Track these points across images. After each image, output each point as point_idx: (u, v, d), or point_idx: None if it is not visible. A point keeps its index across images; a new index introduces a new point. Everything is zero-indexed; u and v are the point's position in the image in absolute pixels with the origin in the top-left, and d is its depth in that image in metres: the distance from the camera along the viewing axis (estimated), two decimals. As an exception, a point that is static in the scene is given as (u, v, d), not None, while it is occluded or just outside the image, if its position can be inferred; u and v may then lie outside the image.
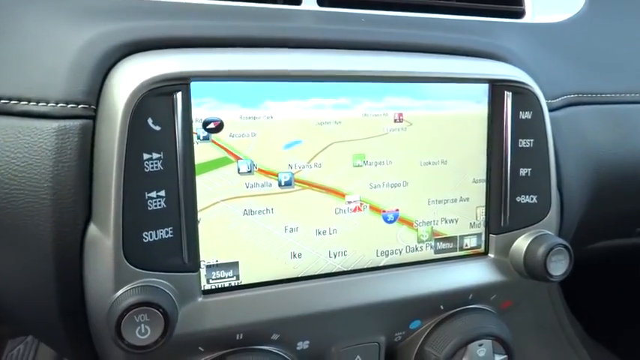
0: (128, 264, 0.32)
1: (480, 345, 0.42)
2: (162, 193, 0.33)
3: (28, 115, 0.33)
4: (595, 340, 1.37)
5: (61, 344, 0.36)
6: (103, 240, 0.32)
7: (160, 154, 0.32)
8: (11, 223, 0.32)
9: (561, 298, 1.44)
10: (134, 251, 0.32)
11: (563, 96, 0.48)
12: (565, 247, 0.41)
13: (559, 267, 0.41)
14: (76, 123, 0.33)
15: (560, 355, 1.34)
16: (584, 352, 1.36)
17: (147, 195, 0.32)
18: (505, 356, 0.43)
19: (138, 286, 0.32)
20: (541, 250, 0.41)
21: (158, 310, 0.31)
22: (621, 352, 1.31)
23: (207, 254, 0.36)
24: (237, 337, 0.36)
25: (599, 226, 0.61)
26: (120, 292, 0.31)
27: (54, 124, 0.32)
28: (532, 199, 0.43)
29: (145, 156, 0.32)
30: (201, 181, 0.35)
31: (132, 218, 0.32)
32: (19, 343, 1.00)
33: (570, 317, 1.41)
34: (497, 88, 0.42)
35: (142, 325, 0.31)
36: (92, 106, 0.33)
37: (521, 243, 0.43)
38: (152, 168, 0.32)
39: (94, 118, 0.33)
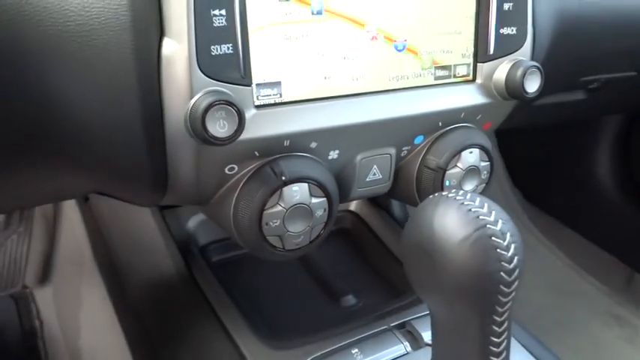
0: (201, 72, 0.38)
1: (470, 152, 0.52)
2: (224, 12, 0.38)
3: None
4: (534, 205, 1.57)
5: (138, 173, 0.42)
6: (178, 52, 0.37)
7: None
8: (93, 45, 0.36)
9: (504, 170, 1.62)
10: (205, 61, 0.38)
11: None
12: (538, 68, 0.51)
13: (533, 85, 0.51)
14: None
15: (526, 244, 1.53)
16: (525, 217, 1.56)
17: (212, 12, 0.37)
18: (488, 162, 0.54)
19: (212, 90, 0.38)
20: (519, 72, 0.50)
21: (233, 108, 0.37)
22: (556, 214, 1.51)
23: (256, 74, 0.42)
24: (285, 144, 0.44)
25: (552, 75, 0.70)
26: (200, 94, 0.37)
27: None
28: (513, 30, 0.52)
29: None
30: (250, 6, 0.40)
31: (202, 32, 0.37)
32: (12, 234, 1.03)
33: (512, 187, 1.60)
34: None
35: (221, 121, 0.37)
36: None
37: (503, 68, 0.52)
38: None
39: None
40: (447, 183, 0.52)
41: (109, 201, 0.65)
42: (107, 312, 0.73)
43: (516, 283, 0.36)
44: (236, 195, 0.44)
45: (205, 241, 0.69)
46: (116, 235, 0.69)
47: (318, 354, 0.51)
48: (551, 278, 1.39)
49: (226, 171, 0.43)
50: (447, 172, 0.51)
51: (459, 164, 0.52)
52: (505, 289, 0.35)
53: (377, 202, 0.78)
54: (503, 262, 0.34)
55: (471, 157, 0.52)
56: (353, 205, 0.79)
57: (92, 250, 0.78)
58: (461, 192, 0.38)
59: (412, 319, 0.56)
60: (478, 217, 0.35)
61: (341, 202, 0.51)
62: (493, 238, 0.35)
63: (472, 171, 0.53)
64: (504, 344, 0.38)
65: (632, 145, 1.31)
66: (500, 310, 0.36)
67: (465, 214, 0.36)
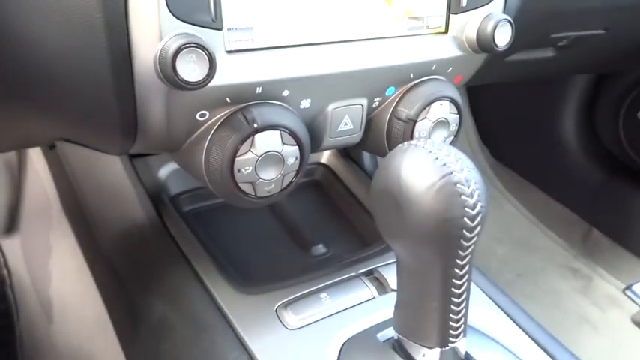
0: (170, 14, 0.37)
1: (441, 104, 0.53)
2: (194, -50, 0.37)
3: None
4: (501, 162, 1.61)
5: (107, 117, 0.41)
6: None
7: None
8: None
9: (474, 129, 1.65)
10: (174, 3, 0.37)
11: None
12: (509, 21, 0.51)
13: (504, 38, 0.51)
14: None
15: (492, 199, 1.57)
16: (491, 174, 1.60)
17: (181, -50, 0.36)
18: (457, 115, 0.55)
19: (182, 33, 0.37)
20: (490, 24, 0.51)
21: (204, 51, 0.37)
22: (522, 172, 1.56)
23: (228, 18, 0.41)
24: (257, 91, 0.43)
25: (523, 30, 0.71)
26: (169, 36, 0.37)
27: None
28: (486, -19, 0.52)
29: None
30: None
31: (171, -29, 0.36)
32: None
33: (480, 144, 1.63)
34: None
35: (192, 64, 0.37)
36: None
37: (475, 21, 0.52)
38: None
39: None
40: (417, 134, 0.53)
41: (76, 149, 0.64)
42: (78, 261, 0.73)
43: (478, 228, 0.37)
44: (207, 142, 0.44)
45: (177, 191, 0.69)
46: (85, 185, 0.68)
47: (288, 298, 0.53)
48: (515, 233, 1.45)
49: (197, 117, 0.43)
50: (417, 124, 0.52)
51: (428, 116, 0.53)
52: (467, 234, 0.37)
53: (348, 154, 0.79)
54: (466, 209, 0.36)
55: (441, 109, 0.53)
56: (324, 158, 0.80)
57: (60, 199, 0.77)
58: (429, 141, 0.38)
59: (379, 266, 0.58)
60: (444, 165, 0.36)
61: (313, 151, 0.51)
62: (458, 185, 0.36)
63: (441, 123, 0.54)
64: (465, 286, 0.40)
65: (597, 107, 1.35)
66: (462, 253, 0.38)
67: (432, 162, 0.37)
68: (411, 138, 0.53)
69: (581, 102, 1.38)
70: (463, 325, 0.42)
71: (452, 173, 0.36)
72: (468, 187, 0.36)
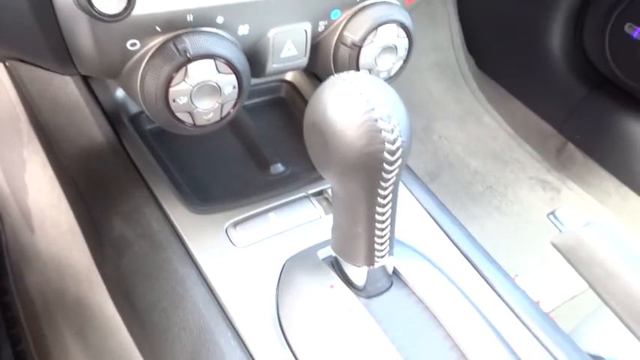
0: None
1: (388, 29, 0.52)
2: None
3: None
4: (485, 73, 1.59)
5: (38, 46, 0.40)
6: None
7: None
8: None
9: (461, 39, 1.60)
10: None
11: None
12: None
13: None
14: None
15: (455, 87, 1.56)
16: (474, 85, 1.59)
17: None
18: (407, 39, 0.54)
19: None
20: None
21: None
22: (505, 83, 1.54)
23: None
24: (188, 19, 0.43)
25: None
26: None
27: None
28: None
29: None
30: None
31: None
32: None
33: (466, 53, 1.60)
34: None
35: (109, -5, 0.36)
36: None
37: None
38: None
39: None
40: (363, 60, 0.53)
41: (29, 69, 0.64)
42: (49, 175, 0.76)
43: (399, 161, 0.39)
44: (141, 71, 0.44)
45: (136, 110, 0.69)
46: (42, 104, 0.68)
47: (237, 218, 0.56)
48: (490, 146, 1.47)
49: (128, 46, 0.42)
50: (363, 49, 0.52)
51: (375, 41, 0.52)
52: (388, 167, 0.39)
53: (313, 71, 0.78)
54: (387, 144, 0.37)
55: (389, 33, 0.52)
56: (289, 75, 0.79)
57: (27, 115, 0.77)
58: (357, 75, 0.39)
59: (329, 187, 0.61)
60: (367, 101, 0.37)
61: (257, 77, 0.51)
62: (379, 121, 0.37)
63: (389, 48, 0.53)
64: (388, 214, 0.43)
65: (586, 18, 1.31)
66: (384, 184, 0.40)
67: (356, 97, 0.37)
68: (357, 64, 0.53)
69: (570, 13, 1.33)
70: (388, 247, 0.45)
71: (374, 109, 0.37)
72: (389, 123, 0.37)
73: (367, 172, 0.39)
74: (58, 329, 0.86)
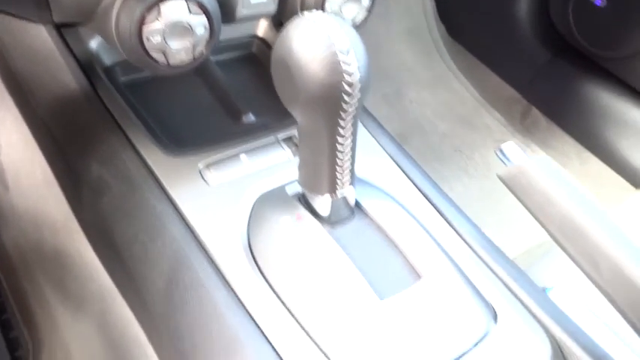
0: None
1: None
2: None
3: None
4: (456, 40, 1.63)
5: None
6: None
7: None
8: None
9: (433, 7, 1.63)
10: None
11: None
12: None
13: None
14: None
15: (425, 53, 1.59)
16: (444, 51, 1.63)
17: None
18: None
19: None
20: None
21: None
22: (475, 51, 1.58)
23: None
24: None
25: None
26: None
27: None
28: None
29: None
30: None
31: None
32: None
33: (438, 22, 1.63)
34: None
35: None
36: None
37: None
38: None
39: None
40: (329, 7, 0.56)
41: (2, 20, 0.65)
42: (22, 131, 0.77)
43: (358, 95, 0.43)
44: (116, 10, 0.46)
45: (110, 62, 0.71)
46: (16, 54, 0.69)
47: (211, 160, 0.59)
48: (458, 111, 1.52)
49: (102, -15, 0.45)
50: (328, -4, 0.55)
51: (339, -12, 0.55)
52: (347, 99, 0.42)
53: (283, 21, 0.80)
54: (345, 75, 0.41)
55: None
56: (261, 31, 0.82)
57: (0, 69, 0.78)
58: (320, 14, 0.42)
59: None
60: (329, 36, 0.40)
61: (228, 22, 0.54)
62: (339, 54, 0.40)
63: None
64: (349, 145, 0.46)
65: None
66: (344, 115, 0.44)
67: (319, 33, 0.41)
68: (323, 10, 0.56)
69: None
70: (349, 178, 0.49)
71: (334, 44, 0.40)
72: (348, 56, 0.41)
73: (328, 103, 0.43)
74: (37, 283, 0.88)
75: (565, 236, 0.45)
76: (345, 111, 0.43)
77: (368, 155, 0.62)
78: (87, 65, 0.68)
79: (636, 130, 1.27)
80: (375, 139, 0.64)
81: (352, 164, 0.48)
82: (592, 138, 1.37)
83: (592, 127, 1.38)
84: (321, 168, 0.48)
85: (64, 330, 0.82)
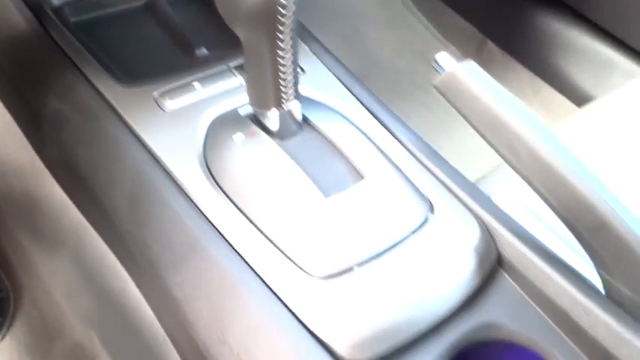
0: None
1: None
2: None
3: None
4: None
5: None
6: None
7: None
8: None
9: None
10: None
11: None
12: None
13: None
14: None
15: (397, 15, 1.60)
16: (415, 10, 1.63)
17: None
18: None
19: None
20: None
21: None
22: (459, 8, 1.58)
23: None
24: None
25: None
26: None
27: None
28: None
29: None
30: None
31: None
32: None
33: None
34: None
35: None
36: None
37: None
38: None
39: None
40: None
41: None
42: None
43: (293, 6, 0.46)
44: None
45: (58, 2, 0.72)
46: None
47: (165, 88, 0.62)
48: (417, 47, 1.55)
49: None
50: None
51: None
52: (283, 11, 0.45)
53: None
54: None
55: None
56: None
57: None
58: None
59: None
60: None
61: None
62: None
63: None
64: (289, 58, 0.50)
65: None
66: (281, 27, 0.47)
67: None
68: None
69: None
70: (293, 91, 0.52)
71: None
72: None
73: (266, 15, 0.46)
74: (9, 229, 0.90)
75: (490, 130, 0.50)
76: (282, 24, 0.46)
77: (314, 73, 0.65)
78: (35, 6, 0.69)
79: (584, 53, 1.32)
80: (320, 59, 0.67)
81: (295, 77, 0.52)
82: (544, 65, 1.42)
83: (544, 55, 1.43)
84: (267, 83, 0.51)
85: (42, 270, 0.85)
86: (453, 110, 0.57)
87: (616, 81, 1.26)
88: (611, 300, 0.46)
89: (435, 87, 0.55)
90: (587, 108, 1.05)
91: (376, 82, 1.43)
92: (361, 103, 0.63)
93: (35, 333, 0.85)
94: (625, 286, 0.45)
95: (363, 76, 1.41)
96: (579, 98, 1.33)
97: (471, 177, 0.97)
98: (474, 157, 1.19)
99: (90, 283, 0.74)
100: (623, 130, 0.90)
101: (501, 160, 0.50)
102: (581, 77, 1.33)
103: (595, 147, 0.88)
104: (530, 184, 0.48)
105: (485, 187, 0.74)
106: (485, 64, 1.57)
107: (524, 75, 1.50)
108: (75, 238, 0.73)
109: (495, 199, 0.56)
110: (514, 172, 0.48)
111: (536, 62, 1.47)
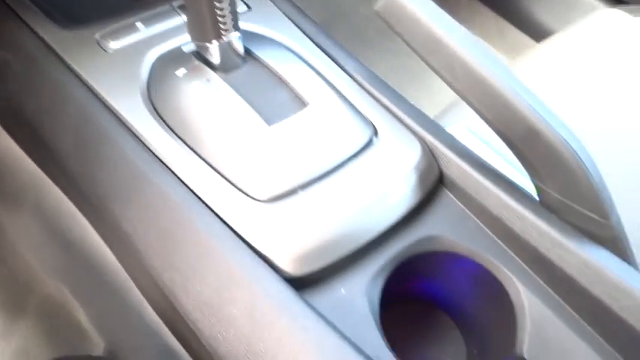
0: None
1: None
2: None
3: None
4: None
5: None
6: None
7: None
8: None
9: None
10: None
11: None
12: None
13: None
14: None
15: None
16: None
17: None
18: None
19: None
20: None
21: None
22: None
23: None
24: None
25: None
26: None
27: None
28: None
29: None
30: None
31: None
32: None
33: None
34: None
35: None
36: None
37: None
38: None
39: None
40: None
41: None
42: None
43: None
44: None
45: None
46: None
47: (107, 30, 0.61)
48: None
49: None
50: None
51: None
52: None
53: None
54: None
55: None
56: None
57: None
58: None
59: None
60: None
61: None
62: None
63: None
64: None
65: None
66: None
67: None
68: None
69: None
70: (231, 22, 0.52)
71: None
72: None
73: None
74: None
75: (429, 51, 0.50)
76: None
77: (259, 9, 0.65)
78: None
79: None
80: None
81: (233, 7, 0.52)
82: (506, 3, 1.42)
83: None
84: (204, 15, 0.51)
85: (6, 228, 0.85)
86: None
87: (576, 15, 1.27)
88: (545, 206, 0.48)
89: (376, 11, 0.55)
90: (545, 43, 1.06)
91: (341, 31, 1.42)
92: (307, 35, 0.63)
93: (6, 290, 0.86)
94: (555, 191, 0.47)
95: (328, 25, 1.41)
96: (541, 34, 1.34)
97: (431, 113, 0.99)
98: (434, 97, 1.20)
99: (53, 235, 0.75)
100: (580, 63, 0.92)
101: (458, 97, 0.50)
102: (543, 12, 1.33)
103: (552, 81, 0.90)
104: (465, 99, 0.49)
105: (442, 121, 0.76)
106: (452, 10, 1.57)
107: (490, 18, 1.50)
108: (34, 191, 0.73)
109: (450, 130, 0.57)
110: (467, 107, 0.49)
111: (499, 2, 1.47)
